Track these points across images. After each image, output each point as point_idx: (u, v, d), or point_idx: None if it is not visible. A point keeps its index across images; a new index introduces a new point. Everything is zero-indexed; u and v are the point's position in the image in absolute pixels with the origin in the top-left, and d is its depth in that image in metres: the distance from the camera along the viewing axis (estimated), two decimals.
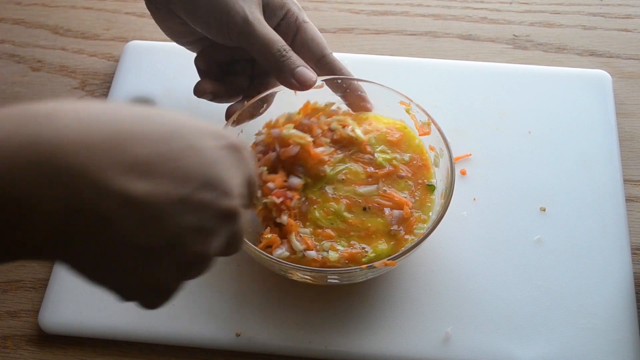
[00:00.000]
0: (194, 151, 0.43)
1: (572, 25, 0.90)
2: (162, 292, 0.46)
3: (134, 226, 0.40)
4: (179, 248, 0.42)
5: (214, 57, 0.74)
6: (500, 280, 0.69)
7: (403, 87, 0.72)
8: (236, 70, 0.75)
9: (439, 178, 0.69)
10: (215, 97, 0.73)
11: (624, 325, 0.67)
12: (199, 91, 0.72)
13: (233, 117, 0.70)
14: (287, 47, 0.69)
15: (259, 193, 0.67)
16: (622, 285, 0.69)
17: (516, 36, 0.89)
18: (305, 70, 0.69)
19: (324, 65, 0.72)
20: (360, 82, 0.72)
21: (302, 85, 0.69)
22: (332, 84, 0.72)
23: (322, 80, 0.72)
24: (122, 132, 0.40)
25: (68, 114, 0.39)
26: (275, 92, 0.72)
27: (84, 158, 0.38)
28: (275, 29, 0.71)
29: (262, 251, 0.64)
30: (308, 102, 0.72)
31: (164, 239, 0.41)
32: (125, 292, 0.44)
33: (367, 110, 0.73)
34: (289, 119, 0.72)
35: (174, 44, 0.78)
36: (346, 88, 0.72)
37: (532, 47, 0.88)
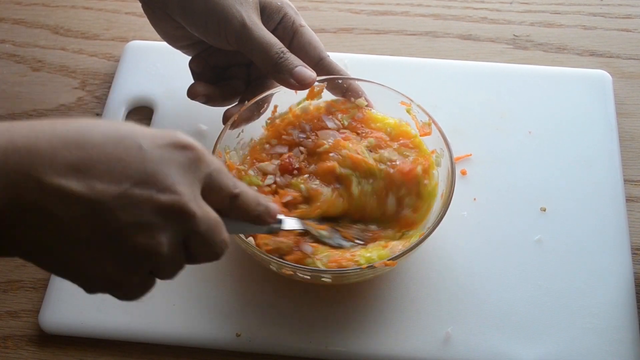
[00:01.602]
0: (138, 151, 0.46)
1: (573, 25, 0.90)
2: (124, 286, 0.48)
3: (73, 220, 0.43)
4: (121, 242, 0.45)
5: (209, 61, 0.74)
6: (501, 280, 0.69)
7: (403, 87, 0.72)
8: (231, 74, 0.75)
9: (439, 179, 0.69)
10: (209, 100, 0.73)
11: (624, 325, 0.67)
12: (192, 94, 0.72)
13: (232, 119, 0.70)
14: (285, 49, 0.69)
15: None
16: (623, 285, 0.69)
17: (516, 36, 0.89)
18: (304, 69, 0.69)
19: (322, 68, 0.72)
20: (360, 82, 0.72)
21: (301, 83, 0.69)
22: (331, 85, 0.72)
23: (324, 80, 0.72)
24: (69, 138, 0.44)
25: (37, 125, 0.44)
26: (273, 94, 0.72)
27: (27, 159, 0.43)
28: (272, 32, 0.71)
29: (259, 249, 0.64)
30: (313, 88, 0.72)
31: (104, 233, 0.44)
32: (84, 284, 0.48)
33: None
34: (304, 110, 0.73)
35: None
36: (346, 89, 0.72)
37: (533, 47, 0.88)
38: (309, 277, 0.65)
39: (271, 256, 0.63)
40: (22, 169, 0.42)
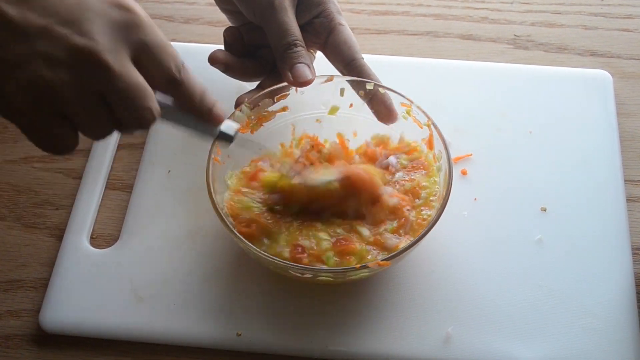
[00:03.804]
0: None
1: (573, 25, 0.90)
2: (29, 120, 0.50)
3: None
4: (27, 68, 0.48)
5: (246, 36, 0.74)
6: (501, 280, 0.69)
7: (404, 87, 0.72)
8: (261, 54, 0.75)
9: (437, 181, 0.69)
10: (228, 70, 0.74)
11: (624, 325, 0.67)
12: (212, 58, 0.73)
13: (243, 105, 0.70)
14: (300, 42, 0.69)
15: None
16: (623, 285, 0.69)
17: (517, 36, 0.89)
18: (304, 68, 0.69)
19: (352, 69, 0.72)
20: (361, 83, 0.72)
21: (295, 80, 0.69)
22: (355, 88, 0.72)
23: (347, 80, 0.72)
24: None
25: None
26: (289, 86, 0.72)
27: None
28: (308, 25, 0.71)
29: (255, 248, 0.64)
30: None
31: (14, 56, 0.48)
32: None
33: (392, 120, 0.72)
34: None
35: (175, 43, 0.78)
36: (371, 97, 0.72)
37: (533, 47, 0.88)
38: (299, 275, 0.65)
39: (263, 253, 0.64)
40: None
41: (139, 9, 0.53)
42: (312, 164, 0.71)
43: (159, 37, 0.54)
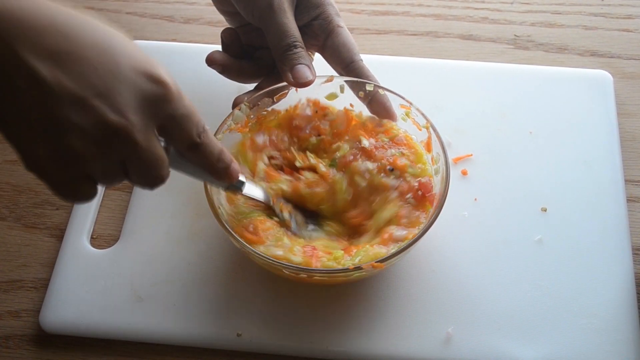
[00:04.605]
0: (114, 67, 0.48)
1: (573, 26, 0.90)
2: (55, 177, 0.50)
3: (29, 99, 0.46)
4: (57, 136, 0.47)
5: (244, 37, 0.75)
6: (501, 281, 0.69)
7: (404, 87, 0.72)
8: (259, 55, 0.75)
9: (434, 183, 0.69)
10: (225, 71, 0.74)
11: (624, 326, 0.67)
12: (209, 59, 0.73)
13: (241, 105, 0.70)
14: (299, 43, 0.69)
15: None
16: (623, 286, 0.69)
17: (517, 36, 0.89)
18: (304, 69, 0.69)
19: (351, 71, 0.72)
20: (360, 84, 0.72)
21: (296, 81, 0.69)
22: (354, 89, 0.72)
23: (347, 81, 0.72)
24: (61, 25, 0.47)
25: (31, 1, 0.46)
26: (288, 87, 0.72)
27: (11, 31, 0.45)
28: (307, 27, 0.71)
29: (250, 246, 0.64)
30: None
31: (47, 121, 0.47)
32: (21, 157, 0.49)
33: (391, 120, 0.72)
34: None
35: (175, 43, 0.78)
36: (371, 99, 0.72)
37: (533, 47, 0.88)
38: (294, 275, 0.64)
39: (258, 252, 0.63)
40: (5, 38, 0.45)
41: (170, 80, 0.52)
42: (319, 134, 0.72)
43: (186, 108, 0.53)
